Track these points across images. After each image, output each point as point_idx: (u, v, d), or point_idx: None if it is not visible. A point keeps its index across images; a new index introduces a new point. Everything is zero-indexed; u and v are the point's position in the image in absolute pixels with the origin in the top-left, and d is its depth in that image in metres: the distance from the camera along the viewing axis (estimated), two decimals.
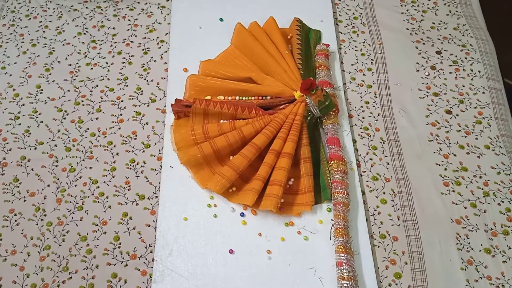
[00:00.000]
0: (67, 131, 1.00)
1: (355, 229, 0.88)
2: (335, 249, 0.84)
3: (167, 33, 1.16)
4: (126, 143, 0.98)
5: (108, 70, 1.10)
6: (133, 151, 0.97)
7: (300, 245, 0.86)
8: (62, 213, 0.89)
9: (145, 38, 1.16)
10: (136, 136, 0.99)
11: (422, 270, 0.85)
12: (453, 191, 0.94)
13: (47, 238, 0.86)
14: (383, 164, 0.97)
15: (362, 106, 1.06)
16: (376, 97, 1.07)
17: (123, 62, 1.11)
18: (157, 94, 1.06)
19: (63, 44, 1.14)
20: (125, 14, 1.20)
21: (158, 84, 1.07)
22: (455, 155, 0.99)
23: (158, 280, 0.82)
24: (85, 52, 1.13)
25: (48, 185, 0.92)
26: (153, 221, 0.89)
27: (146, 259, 0.85)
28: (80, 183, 0.93)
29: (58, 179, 0.93)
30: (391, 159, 0.98)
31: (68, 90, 1.06)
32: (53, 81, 1.07)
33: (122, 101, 1.05)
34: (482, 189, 0.94)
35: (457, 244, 0.88)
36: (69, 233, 0.87)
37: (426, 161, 0.98)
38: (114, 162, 0.96)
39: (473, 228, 0.90)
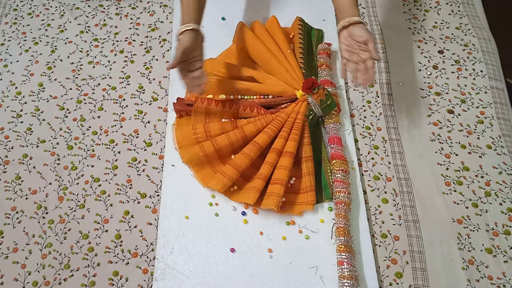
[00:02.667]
0: (69, 129, 1.00)
1: (356, 228, 0.88)
2: (336, 248, 0.84)
3: (169, 32, 1.16)
4: (128, 142, 0.98)
5: (110, 68, 1.10)
6: (134, 150, 0.97)
7: (301, 244, 0.86)
8: (63, 211, 0.89)
9: (147, 36, 1.16)
10: (138, 134, 0.99)
11: (423, 270, 0.85)
12: (455, 190, 0.94)
13: (49, 236, 0.87)
14: (384, 163, 0.97)
15: (364, 106, 1.05)
16: (378, 97, 1.07)
17: (125, 61, 1.11)
18: (159, 92, 1.06)
19: (65, 43, 1.14)
20: (127, 13, 1.20)
21: (160, 83, 1.07)
22: (456, 154, 0.99)
23: (160, 278, 0.82)
24: (87, 51, 1.13)
25: (50, 183, 0.92)
26: (155, 219, 0.89)
27: (147, 257, 0.85)
28: (82, 181, 0.93)
29: (60, 177, 0.93)
30: (392, 158, 0.98)
31: (70, 89, 1.06)
32: (55, 80, 1.07)
33: (124, 99, 1.05)
34: (484, 189, 0.94)
35: (458, 243, 0.88)
36: (70, 231, 0.87)
37: (428, 161, 0.98)
38: (116, 161, 0.96)
39: (474, 228, 0.90)
